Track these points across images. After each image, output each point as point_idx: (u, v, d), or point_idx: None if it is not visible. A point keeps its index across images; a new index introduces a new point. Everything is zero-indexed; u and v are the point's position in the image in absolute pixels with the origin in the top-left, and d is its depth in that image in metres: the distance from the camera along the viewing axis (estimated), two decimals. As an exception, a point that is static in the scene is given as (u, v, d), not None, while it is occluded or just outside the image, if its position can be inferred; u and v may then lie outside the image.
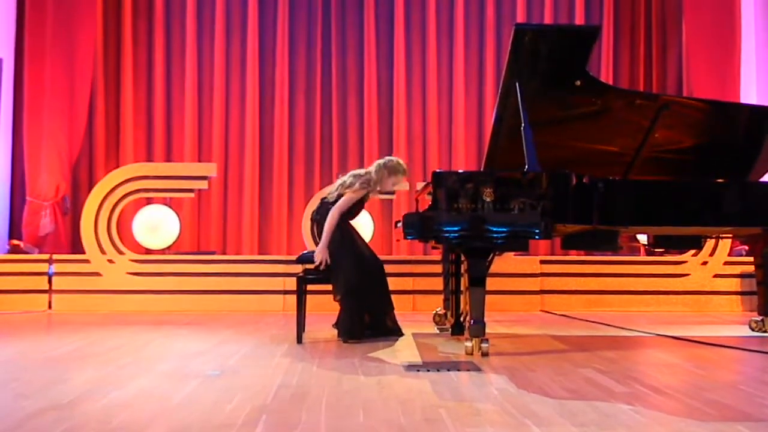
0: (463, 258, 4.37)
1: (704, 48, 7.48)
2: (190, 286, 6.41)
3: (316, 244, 4.58)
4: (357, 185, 4.49)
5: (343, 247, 4.45)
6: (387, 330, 4.58)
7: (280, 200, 7.95)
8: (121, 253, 6.48)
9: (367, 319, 4.50)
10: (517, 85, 4.11)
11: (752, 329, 4.88)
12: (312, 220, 4.76)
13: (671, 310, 6.39)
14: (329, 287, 4.56)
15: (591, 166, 4.41)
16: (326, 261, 4.41)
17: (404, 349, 4.08)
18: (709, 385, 3.11)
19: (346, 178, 4.57)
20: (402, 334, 4.60)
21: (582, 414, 2.54)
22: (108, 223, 6.48)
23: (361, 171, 4.63)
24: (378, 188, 4.59)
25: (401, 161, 4.65)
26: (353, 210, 4.59)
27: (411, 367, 3.48)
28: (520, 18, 7.96)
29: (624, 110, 4.50)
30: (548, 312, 6.31)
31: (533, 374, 3.33)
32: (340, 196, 4.51)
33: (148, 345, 4.28)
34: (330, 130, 8.01)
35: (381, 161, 4.61)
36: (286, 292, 6.29)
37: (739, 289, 6.48)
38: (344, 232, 4.51)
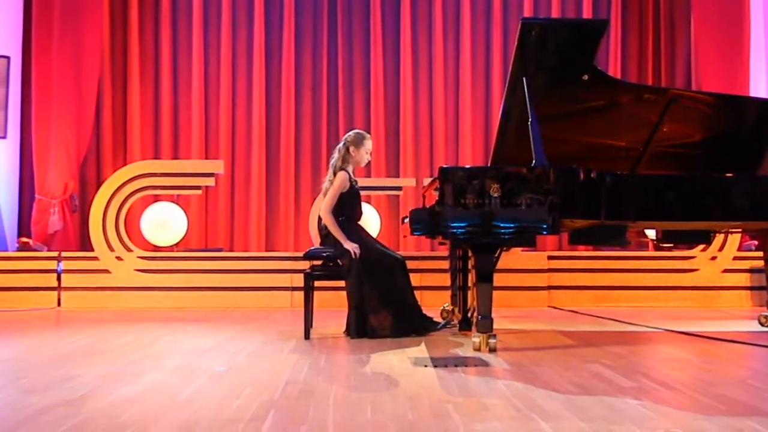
0: (470, 254, 4.36)
1: (713, 41, 7.42)
2: (198, 282, 6.43)
3: (334, 254, 4.50)
4: (330, 174, 4.55)
5: (352, 260, 4.37)
6: (417, 325, 4.47)
7: (287, 196, 7.96)
8: (129, 250, 6.51)
9: (391, 321, 4.38)
10: (524, 79, 4.09)
11: (761, 324, 4.86)
12: (322, 236, 4.67)
13: (680, 305, 6.36)
14: (337, 284, 4.55)
15: (599, 161, 4.39)
16: (355, 253, 4.36)
17: (412, 345, 4.07)
18: (718, 380, 3.10)
19: (325, 183, 4.62)
20: (435, 327, 4.54)
21: (590, 409, 2.53)
22: (116, 221, 6.51)
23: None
24: (353, 165, 4.61)
25: (358, 130, 4.74)
26: (349, 205, 4.54)
27: (419, 363, 3.48)
28: (527, 12, 7.94)
29: (632, 104, 4.48)
30: (556, 308, 6.30)
31: (541, 369, 3.32)
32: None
33: (157, 341, 4.30)
34: (336, 126, 8.01)
35: (340, 144, 4.63)
36: (293, 289, 6.30)
37: (749, 284, 6.45)
38: (353, 239, 4.44)
